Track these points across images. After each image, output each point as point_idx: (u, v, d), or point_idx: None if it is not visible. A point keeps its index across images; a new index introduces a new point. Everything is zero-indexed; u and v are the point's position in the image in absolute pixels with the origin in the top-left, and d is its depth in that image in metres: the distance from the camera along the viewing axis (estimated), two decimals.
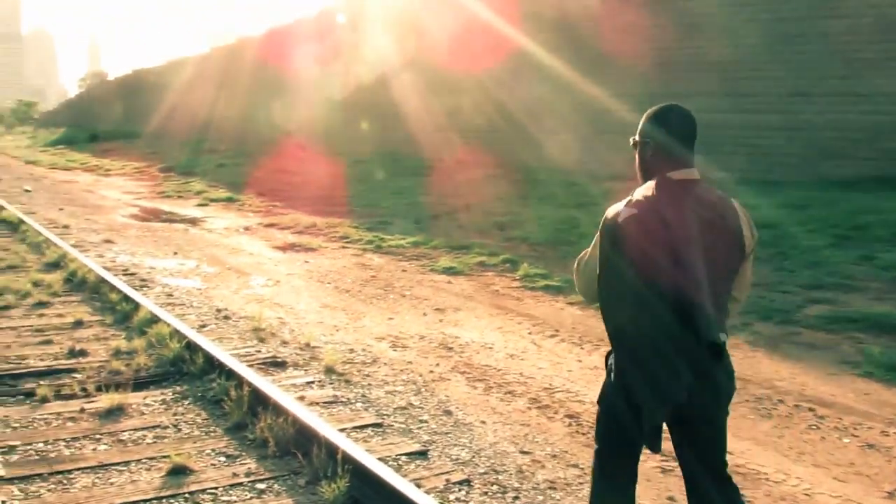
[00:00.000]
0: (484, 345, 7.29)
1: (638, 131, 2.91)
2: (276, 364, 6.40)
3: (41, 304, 8.07)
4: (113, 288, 8.27)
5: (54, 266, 10.02)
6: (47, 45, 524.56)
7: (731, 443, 3.27)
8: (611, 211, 2.82)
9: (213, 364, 5.86)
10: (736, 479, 3.05)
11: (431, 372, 6.45)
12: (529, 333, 7.75)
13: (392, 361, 6.66)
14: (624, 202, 2.81)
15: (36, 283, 8.87)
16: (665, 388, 2.68)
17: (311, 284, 10.06)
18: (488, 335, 7.65)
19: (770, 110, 16.52)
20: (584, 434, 5.17)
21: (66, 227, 14.19)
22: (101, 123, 53.74)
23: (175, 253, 11.94)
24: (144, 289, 9.08)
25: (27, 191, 21.16)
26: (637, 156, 2.93)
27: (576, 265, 3.08)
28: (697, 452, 2.89)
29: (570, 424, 5.34)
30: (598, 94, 18.55)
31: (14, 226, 13.54)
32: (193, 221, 15.96)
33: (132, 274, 9.97)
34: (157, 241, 13.21)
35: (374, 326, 7.92)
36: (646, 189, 2.80)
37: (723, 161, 13.86)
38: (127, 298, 7.80)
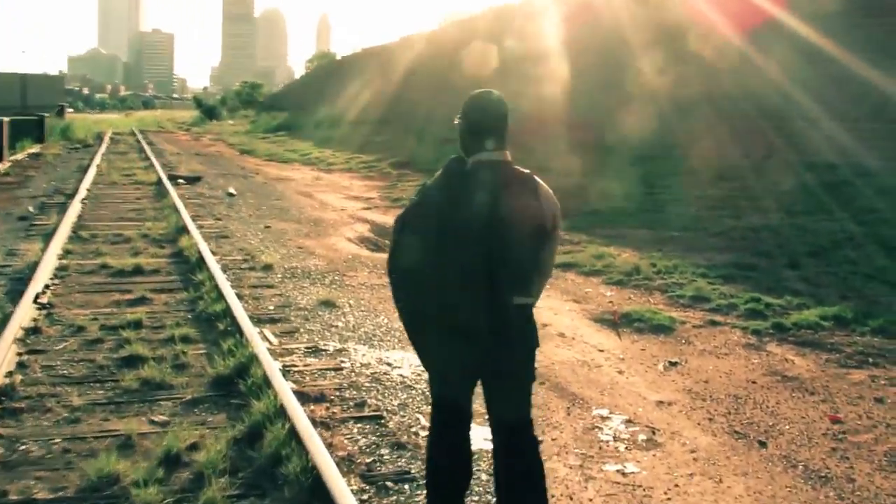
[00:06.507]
0: None
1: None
2: None
3: None
4: None
5: (224, 391, 5.51)
6: (279, 25, 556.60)
7: None
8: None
9: None
10: None
11: None
12: None
13: None
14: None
15: (163, 481, 4.31)
16: (446, 353, 3.33)
17: (733, 454, 4.97)
18: None
19: None
20: None
21: (267, 267, 9.97)
22: (326, 107, 51.76)
23: None
24: (399, 495, 4.31)
25: (230, 195, 17.77)
26: (458, 136, 3.38)
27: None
28: (498, 405, 3.43)
29: None
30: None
31: (190, 268, 9.44)
32: None
33: (375, 417, 5.25)
34: None
35: None
36: (445, 171, 3.33)
37: None
38: None
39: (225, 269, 9.42)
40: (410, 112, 36.93)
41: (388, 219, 14.74)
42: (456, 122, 3.40)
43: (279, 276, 9.63)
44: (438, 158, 23.70)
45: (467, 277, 3.22)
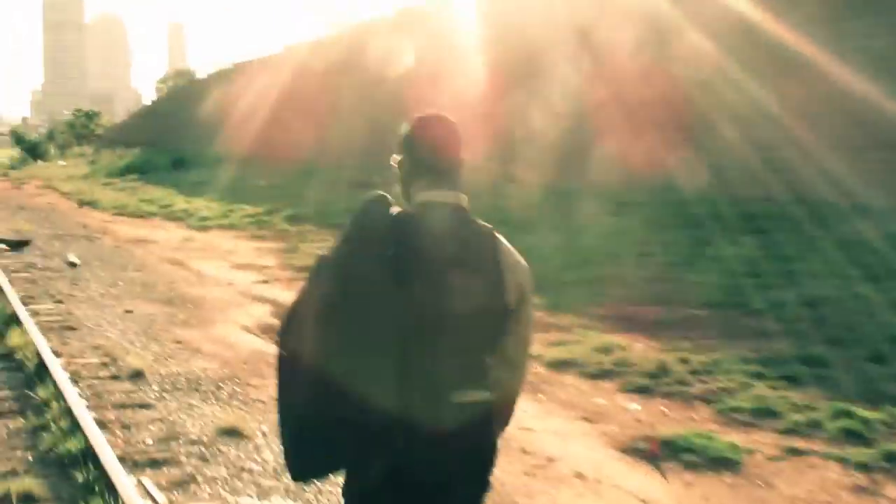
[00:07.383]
0: None
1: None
2: None
3: None
4: None
5: None
6: (117, 36, 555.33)
7: None
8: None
9: None
10: None
11: None
12: None
13: None
14: None
15: None
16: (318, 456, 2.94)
17: None
18: None
19: None
20: None
21: (137, 374, 9.17)
22: (189, 141, 51.33)
23: None
24: None
25: (72, 264, 17.18)
26: (399, 178, 3.24)
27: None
28: None
29: None
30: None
31: (26, 379, 8.70)
32: None
33: None
34: None
35: None
36: (365, 216, 3.05)
37: None
38: None
39: (76, 379, 8.72)
40: (302, 143, 36.67)
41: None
42: (395, 160, 3.24)
43: (155, 388, 8.79)
44: (350, 207, 23.03)
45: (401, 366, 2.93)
